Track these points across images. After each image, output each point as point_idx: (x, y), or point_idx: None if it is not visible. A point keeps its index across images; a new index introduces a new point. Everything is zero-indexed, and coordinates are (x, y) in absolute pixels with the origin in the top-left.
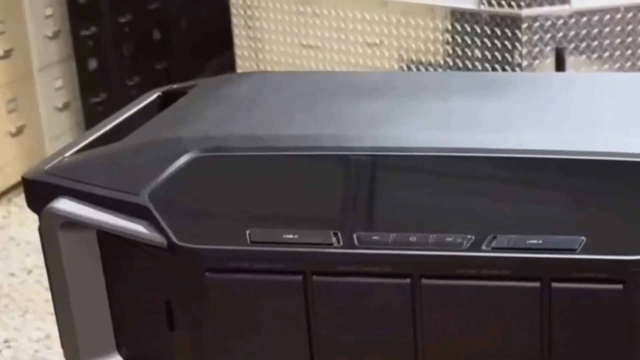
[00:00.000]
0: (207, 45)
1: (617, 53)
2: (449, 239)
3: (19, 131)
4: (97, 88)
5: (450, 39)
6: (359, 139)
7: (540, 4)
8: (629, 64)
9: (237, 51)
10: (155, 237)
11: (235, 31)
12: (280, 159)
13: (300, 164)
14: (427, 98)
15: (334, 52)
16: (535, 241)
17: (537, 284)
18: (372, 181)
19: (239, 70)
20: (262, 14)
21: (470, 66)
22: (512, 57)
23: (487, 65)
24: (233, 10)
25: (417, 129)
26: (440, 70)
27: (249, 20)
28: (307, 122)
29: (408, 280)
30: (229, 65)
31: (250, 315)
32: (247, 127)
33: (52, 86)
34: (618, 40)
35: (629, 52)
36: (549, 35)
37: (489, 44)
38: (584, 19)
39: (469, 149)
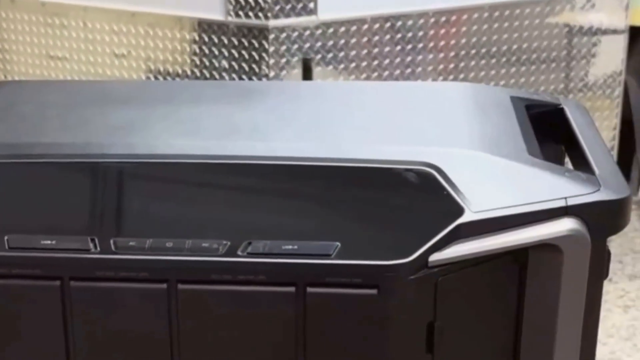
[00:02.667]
0: None
1: (364, 64)
2: (204, 245)
3: None
4: None
5: (197, 50)
6: (114, 147)
7: (288, 15)
8: (375, 74)
9: None
10: None
11: None
12: (37, 167)
13: (58, 171)
14: (179, 107)
15: (82, 64)
16: (290, 247)
17: (292, 289)
18: (129, 188)
19: None
20: (9, 25)
21: (217, 77)
22: (260, 68)
23: (234, 76)
24: None
25: (170, 137)
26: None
27: None
28: (62, 131)
29: (164, 285)
30: None
31: (8, 321)
32: (2, 135)
33: None
34: (365, 51)
35: (376, 62)
36: (296, 46)
37: (237, 55)
38: (331, 29)
39: (223, 156)
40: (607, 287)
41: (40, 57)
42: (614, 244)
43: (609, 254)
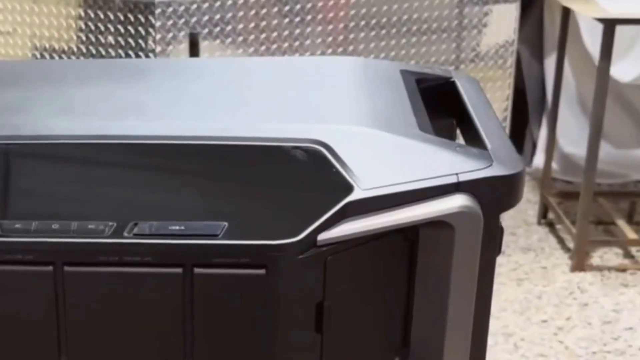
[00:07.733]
0: None
1: (252, 37)
2: (91, 226)
3: None
4: None
5: (83, 26)
6: None
7: None
8: (263, 48)
9: None
10: None
11: None
12: None
13: None
14: (64, 86)
15: None
16: (177, 227)
17: (179, 270)
18: (14, 170)
19: None
20: None
21: (104, 53)
22: (146, 43)
23: (120, 51)
24: None
25: (55, 118)
26: (74, 57)
27: None
28: None
29: (50, 268)
30: None
31: None
32: None
33: None
34: (252, 25)
35: (263, 36)
36: (182, 21)
37: (123, 30)
38: (218, 3)
39: (108, 136)
40: (501, 260)
41: None
42: (507, 215)
43: (501, 230)
